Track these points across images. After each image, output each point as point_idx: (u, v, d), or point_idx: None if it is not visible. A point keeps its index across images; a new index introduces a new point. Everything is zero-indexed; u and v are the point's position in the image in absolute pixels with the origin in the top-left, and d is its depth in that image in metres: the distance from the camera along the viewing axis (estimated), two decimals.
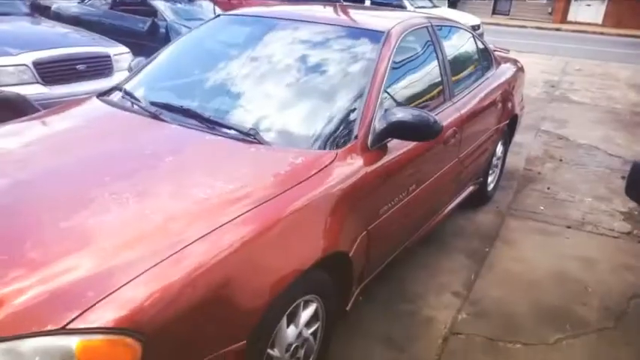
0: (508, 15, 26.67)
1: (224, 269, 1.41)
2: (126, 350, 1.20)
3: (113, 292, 1.24)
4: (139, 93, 2.37)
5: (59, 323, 1.18)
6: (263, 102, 2.21)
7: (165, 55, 2.74)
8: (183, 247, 1.38)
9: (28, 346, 1.17)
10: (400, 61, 2.44)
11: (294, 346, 1.75)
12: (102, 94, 2.46)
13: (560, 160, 5.05)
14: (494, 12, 27.25)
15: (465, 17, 10.69)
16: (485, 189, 3.77)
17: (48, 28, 5.07)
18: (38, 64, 4.08)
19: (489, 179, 3.82)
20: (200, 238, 1.43)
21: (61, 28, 5.11)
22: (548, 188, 4.34)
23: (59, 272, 1.29)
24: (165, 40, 6.71)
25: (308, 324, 1.82)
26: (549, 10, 26.05)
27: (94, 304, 1.21)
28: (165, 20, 6.84)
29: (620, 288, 2.90)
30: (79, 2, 7.87)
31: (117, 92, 2.45)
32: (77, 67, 4.35)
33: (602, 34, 19.60)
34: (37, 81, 4.06)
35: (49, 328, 1.17)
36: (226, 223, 1.50)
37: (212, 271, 1.38)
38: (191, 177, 1.73)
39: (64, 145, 1.94)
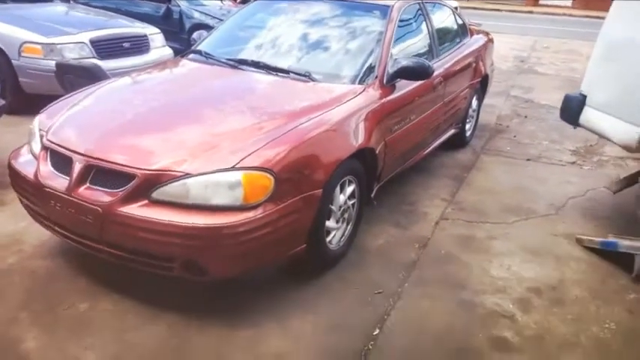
0: None
1: (310, 144, 2.38)
2: (266, 179, 2.16)
3: (257, 150, 2.21)
4: (214, 53, 3.31)
5: (231, 164, 2.14)
6: (310, 55, 3.19)
7: (222, 28, 3.68)
8: (287, 132, 2.35)
9: (214, 178, 2.12)
10: (402, 27, 3.43)
11: (342, 208, 2.72)
12: (184, 55, 3.40)
13: (525, 117, 6.10)
14: None
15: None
16: (463, 134, 4.78)
17: (91, 12, 5.91)
18: (94, 42, 4.95)
19: (467, 127, 4.83)
20: (293, 128, 2.40)
21: (101, 13, 5.95)
22: (514, 136, 5.38)
23: (227, 142, 2.26)
24: (179, 23, 7.58)
25: (350, 198, 2.79)
26: None
27: (247, 156, 2.18)
28: (178, 6, 7.67)
29: (563, 193, 3.95)
30: None
31: (195, 54, 3.38)
32: (123, 44, 5.23)
33: (570, 15, 20.81)
34: (94, 56, 4.92)
35: (226, 166, 2.13)
36: (305, 122, 2.47)
37: (305, 143, 2.35)
38: (276, 99, 2.71)
39: (187, 83, 2.92)
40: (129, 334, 2.25)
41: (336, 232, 2.72)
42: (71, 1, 6.20)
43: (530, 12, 21.91)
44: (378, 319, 2.43)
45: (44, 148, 2.40)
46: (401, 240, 3.17)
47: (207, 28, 7.27)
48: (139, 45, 5.40)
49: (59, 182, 2.26)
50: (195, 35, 3.73)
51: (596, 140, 5.11)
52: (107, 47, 5.02)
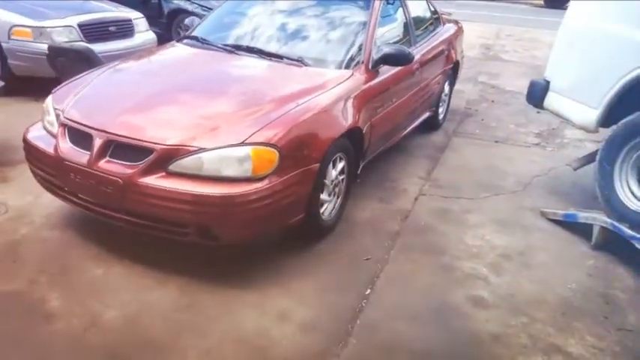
0: None
1: (308, 123, 2.63)
2: (272, 154, 2.40)
3: (263, 127, 2.45)
4: (210, 39, 3.50)
5: (241, 140, 2.37)
6: (301, 41, 3.41)
7: (215, 14, 3.86)
8: (288, 112, 2.59)
9: (226, 152, 2.35)
10: (384, 17, 3.68)
11: (334, 182, 2.98)
12: (179, 40, 3.58)
13: (492, 102, 6.48)
14: None
15: None
16: (437, 117, 5.09)
17: None
18: (82, 26, 5.04)
19: (440, 110, 5.14)
20: (294, 108, 2.64)
21: None
22: (482, 119, 5.74)
23: (235, 120, 2.49)
24: (158, 8, 7.63)
25: (340, 173, 3.05)
26: None
27: (255, 133, 2.41)
28: None
29: (528, 172, 4.31)
30: None
31: (190, 40, 3.56)
32: (110, 28, 5.32)
33: (532, 4, 21.44)
34: (82, 39, 5.01)
35: (236, 142, 2.36)
36: (302, 103, 2.72)
37: (304, 122, 2.60)
38: (274, 82, 2.94)
39: (190, 66, 3.12)
40: (143, 294, 2.47)
41: (328, 205, 2.99)
42: None
43: None
44: (369, 281, 2.72)
45: (62, 125, 2.57)
46: (385, 213, 3.46)
47: (186, 13, 7.37)
48: (125, 29, 5.50)
49: (79, 156, 2.45)
50: (187, 21, 3.90)
51: (558, 124, 5.51)
52: (94, 31, 5.12)
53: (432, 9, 4.93)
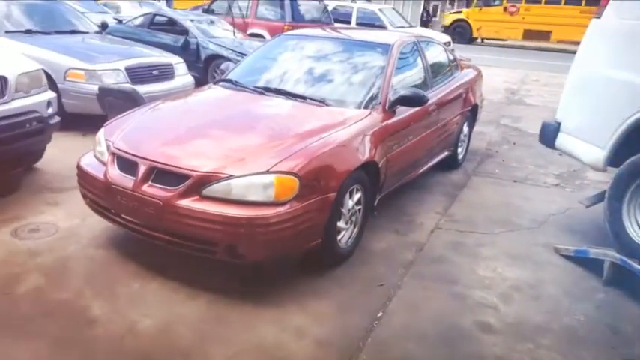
0: None
1: (327, 156, 2.90)
2: (293, 182, 2.67)
3: (286, 158, 2.73)
4: (242, 81, 3.87)
5: (266, 168, 2.66)
6: (324, 84, 3.75)
7: (247, 60, 4.25)
8: (308, 145, 2.88)
9: (252, 179, 2.64)
10: (401, 62, 3.99)
11: (350, 212, 3.22)
12: (215, 82, 3.96)
13: (514, 144, 6.66)
14: None
15: (438, 36, 12.56)
16: (456, 157, 5.31)
17: (123, 43, 6.54)
18: (129, 69, 5.55)
19: (459, 150, 5.37)
20: (314, 142, 2.92)
21: (131, 43, 6.57)
22: (503, 160, 5.92)
23: (261, 152, 2.79)
24: (196, 54, 8.21)
25: (357, 204, 3.29)
26: None
27: (278, 163, 2.70)
28: (195, 38, 8.31)
29: (545, 211, 4.45)
30: (116, 23, 9.33)
31: (225, 82, 3.94)
32: (153, 72, 5.82)
33: (560, 51, 21.68)
34: (127, 81, 5.50)
35: (261, 170, 2.65)
36: (323, 137, 3.00)
37: (323, 155, 2.87)
38: (297, 119, 3.25)
39: (224, 105, 3.48)
40: (176, 307, 2.73)
41: (345, 233, 3.21)
42: (103, 33, 6.80)
43: (522, 47, 22.78)
44: (382, 304, 2.91)
45: (112, 154, 2.92)
46: (400, 244, 3.66)
47: (222, 58, 7.91)
48: (166, 72, 6.00)
49: (126, 181, 2.78)
50: (222, 66, 4.29)
51: (579, 166, 5.64)
52: (139, 74, 5.61)
53: (450, 56, 5.23)
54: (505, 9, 18.51)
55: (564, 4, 18.90)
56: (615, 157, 3.38)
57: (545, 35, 14.96)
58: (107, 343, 2.44)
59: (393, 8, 16.22)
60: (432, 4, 29.95)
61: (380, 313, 2.82)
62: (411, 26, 14.40)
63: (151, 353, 2.40)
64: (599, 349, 2.68)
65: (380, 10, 14.23)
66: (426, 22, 27.30)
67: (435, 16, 29.66)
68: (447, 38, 13.20)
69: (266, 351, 2.47)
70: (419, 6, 29.63)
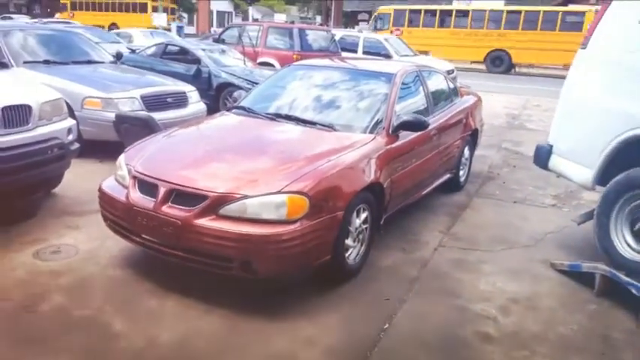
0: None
1: (334, 177, 3.12)
2: (303, 201, 2.89)
3: (296, 179, 2.95)
4: (254, 108, 4.12)
5: (278, 189, 2.88)
6: (331, 110, 4.00)
7: (259, 88, 4.52)
8: (318, 167, 3.10)
9: (266, 199, 2.85)
10: (403, 89, 4.24)
11: (358, 230, 3.42)
12: (229, 109, 4.21)
13: (514, 167, 6.87)
14: None
15: (442, 64, 12.92)
16: (458, 179, 5.51)
17: (137, 72, 6.86)
18: (144, 97, 5.83)
19: (461, 173, 5.57)
20: (323, 164, 3.15)
21: (145, 72, 6.89)
22: (504, 182, 6.13)
23: (274, 173, 3.01)
24: (208, 82, 8.51)
25: (364, 223, 3.49)
26: None
27: (289, 183, 2.91)
28: (207, 67, 8.63)
29: (542, 229, 4.63)
30: (130, 52, 9.70)
31: (238, 109, 4.20)
32: (167, 99, 6.10)
33: (562, 77, 22.01)
34: (143, 109, 5.77)
35: (274, 191, 2.87)
36: (330, 160, 3.22)
37: (331, 176, 3.09)
38: (307, 143, 3.48)
39: (237, 131, 3.72)
40: (192, 321, 2.91)
41: (352, 250, 3.41)
42: (118, 62, 7.13)
43: (525, 74, 23.15)
44: (388, 317, 3.08)
45: (133, 177, 3.15)
46: (406, 261, 3.84)
47: (233, 86, 8.21)
48: (179, 100, 6.28)
49: (146, 203, 2.99)
50: (235, 94, 4.55)
51: (575, 187, 5.82)
52: (154, 102, 5.89)
53: (450, 84, 5.49)
54: (391, 32, 22.36)
55: (437, 27, 23.60)
56: (603, 177, 3.58)
57: (425, 53, 17.40)
58: (129, 355, 2.62)
59: (398, 37, 16.68)
60: None
61: (386, 325, 3.00)
62: (415, 54, 14.77)
63: None
64: (590, 356, 2.84)
65: (385, 39, 14.64)
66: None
67: None
68: (451, 66, 13.53)
69: (278, 359, 2.64)
70: None
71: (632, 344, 2.98)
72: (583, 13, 20.46)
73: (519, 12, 21.99)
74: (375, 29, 23.42)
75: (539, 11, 21.77)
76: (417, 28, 23.96)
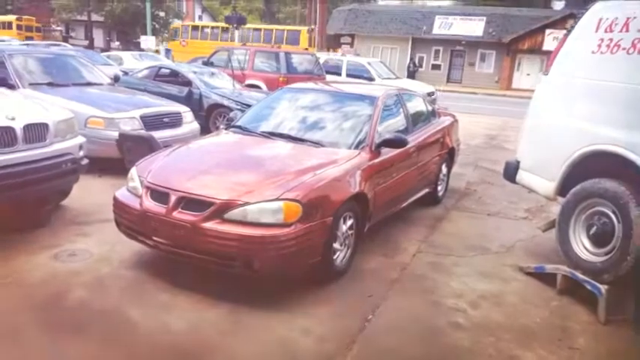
0: (461, 83, 30.31)
1: (324, 187, 3.55)
2: (297, 207, 3.30)
3: (291, 189, 3.37)
4: (250, 127, 4.55)
5: (275, 197, 3.29)
6: (320, 128, 4.44)
7: (254, 109, 4.96)
8: (309, 179, 3.53)
9: (264, 205, 3.26)
10: (385, 111, 4.71)
11: (344, 235, 3.83)
12: (227, 128, 4.64)
13: (490, 184, 7.36)
14: (448, 80, 30.95)
15: (422, 87, 13.57)
16: (436, 194, 5.97)
17: (135, 93, 7.27)
18: (143, 117, 6.22)
19: (439, 188, 6.04)
20: (312, 177, 3.57)
21: (142, 94, 7.30)
22: (479, 197, 6.60)
23: (271, 183, 3.42)
24: (199, 103, 8.94)
25: (350, 228, 3.90)
26: (496, 78, 29.85)
27: (285, 192, 3.33)
28: (198, 89, 9.07)
29: (513, 238, 5.09)
30: (123, 75, 10.10)
31: (235, 128, 4.62)
32: (164, 119, 6.50)
33: None
34: (142, 128, 6.15)
35: (272, 198, 3.28)
36: (320, 172, 3.65)
37: (321, 186, 3.52)
38: (298, 158, 3.92)
39: (236, 147, 4.15)
40: (201, 313, 3.29)
41: (340, 253, 3.81)
42: (115, 85, 7.53)
43: (504, 95, 24.05)
44: (372, 310, 3.48)
45: (146, 187, 3.54)
46: (387, 265, 4.26)
47: (223, 107, 8.66)
48: (175, 120, 6.69)
49: (158, 209, 3.38)
50: (232, 114, 4.98)
51: (545, 202, 6.31)
52: (152, 121, 6.29)
53: (429, 107, 6.01)
54: (180, 43, 28.88)
55: (209, 39, 27.64)
56: (563, 188, 4.05)
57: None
58: (147, 340, 3.00)
59: (381, 61, 17.34)
60: (417, 55, 31.59)
61: (370, 317, 3.40)
62: (397, 77, 15.43)
63: (182, 349, 2.95)
64: (548, 342, 3.26)
65: (368, 63, 15.27)
66: (412, 73, 28.84)
67: (421, 66, 31.22)
68: (432, 88, 14.20)
69: (279, 344, 3.03)
70: (406, 56, 31.30)
71: (586, 333, 3.41)
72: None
73: None
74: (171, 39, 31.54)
75: None
76: (196, 40, 28.72)
